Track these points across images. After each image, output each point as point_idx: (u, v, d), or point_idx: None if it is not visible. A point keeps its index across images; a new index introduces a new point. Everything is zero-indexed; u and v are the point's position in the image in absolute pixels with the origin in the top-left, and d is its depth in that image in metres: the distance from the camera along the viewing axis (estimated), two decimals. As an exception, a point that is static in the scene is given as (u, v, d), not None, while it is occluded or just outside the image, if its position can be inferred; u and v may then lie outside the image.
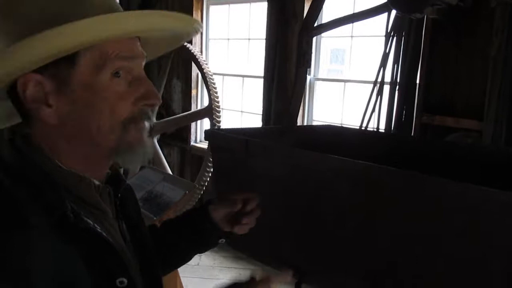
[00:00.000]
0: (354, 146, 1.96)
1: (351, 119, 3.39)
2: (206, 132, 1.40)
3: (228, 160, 1.38)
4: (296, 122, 3.49)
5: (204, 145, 4.39)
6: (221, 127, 3.93)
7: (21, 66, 0.65)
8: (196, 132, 4.50)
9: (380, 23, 2.98)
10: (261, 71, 3.77)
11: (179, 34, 0.82)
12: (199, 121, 4.43)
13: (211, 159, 3.92)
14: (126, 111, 0.72)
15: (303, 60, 3.08)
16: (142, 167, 2.63)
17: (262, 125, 3.69)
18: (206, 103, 4.35)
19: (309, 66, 3.26)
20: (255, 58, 4.04)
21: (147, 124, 0.76)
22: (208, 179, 3.95)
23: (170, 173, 4.08)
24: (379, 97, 2.91)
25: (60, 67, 0.68)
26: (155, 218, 2.22)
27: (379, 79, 2.90)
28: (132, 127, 0.73)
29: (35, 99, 0.69)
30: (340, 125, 3.31)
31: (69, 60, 0.67)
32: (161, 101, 0.77)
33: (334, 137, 2.24)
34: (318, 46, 3.55)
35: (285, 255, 1.35)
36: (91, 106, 0.69)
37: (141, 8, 4.48)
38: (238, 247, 1.52)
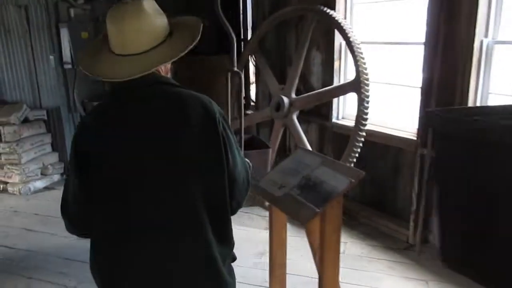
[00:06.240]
0: None
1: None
2: (427, 113, 1.02)
3: (460, 151, 0.99)
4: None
5: (347, 122, 4.00)
6: (369, 102, 3.49)
7: None
8: (338, 108, 4.12)
9: None
10: (419, 36, 3.22)
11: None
12: (341, 97, 4.04)
13: (358, 139, 3.52)
14: None
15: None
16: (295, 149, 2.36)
17: (434, 102, 3.10)
18: (349, 76, 3.94)
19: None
20: (410, 22, 3.48)
21: None
22: (354, 160, 3.57)
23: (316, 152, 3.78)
24: None
25: None
26: (317, 210, 1.93)
27: None
28: None
29: None
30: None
31: None
32: None
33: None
34: (500, 2, 2.87)
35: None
36: None
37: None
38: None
